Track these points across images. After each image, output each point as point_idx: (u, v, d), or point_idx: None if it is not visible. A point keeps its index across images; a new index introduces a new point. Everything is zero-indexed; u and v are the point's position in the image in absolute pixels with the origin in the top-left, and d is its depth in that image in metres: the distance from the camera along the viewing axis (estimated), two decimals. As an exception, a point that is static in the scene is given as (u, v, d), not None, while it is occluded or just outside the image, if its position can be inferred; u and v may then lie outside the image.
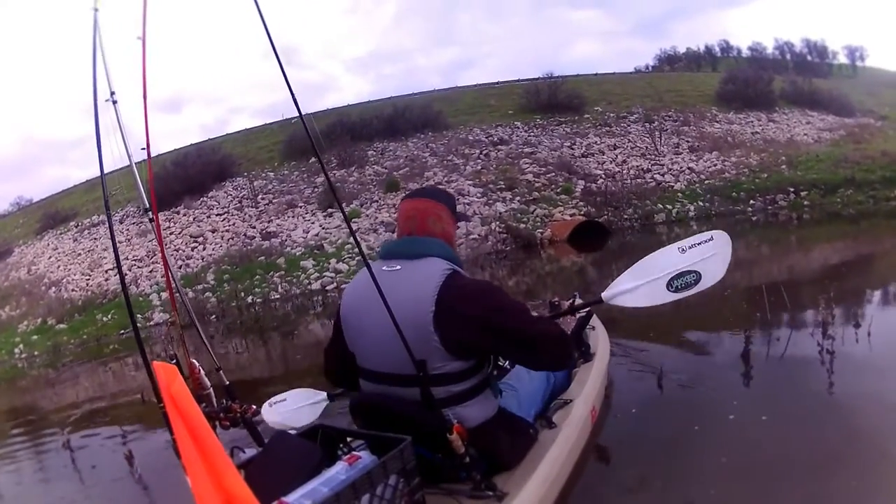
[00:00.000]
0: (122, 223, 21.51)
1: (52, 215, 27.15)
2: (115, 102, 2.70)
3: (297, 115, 2.29)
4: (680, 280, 2.74)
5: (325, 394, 3.46)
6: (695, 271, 2.73)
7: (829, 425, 3.34)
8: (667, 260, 2.80)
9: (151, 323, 13.74)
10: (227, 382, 3.21)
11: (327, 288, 13.88)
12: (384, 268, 2.36)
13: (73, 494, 4.30)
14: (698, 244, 2.77)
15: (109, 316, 14.78)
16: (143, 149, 3.08)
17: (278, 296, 14.00)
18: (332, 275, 14.37)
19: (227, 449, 1.81)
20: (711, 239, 2.76)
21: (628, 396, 4.15)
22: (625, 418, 3.78)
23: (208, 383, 3.01)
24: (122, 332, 13.57)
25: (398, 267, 2.39)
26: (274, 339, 10.02)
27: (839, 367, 4.11)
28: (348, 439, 2.30)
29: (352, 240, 15.54)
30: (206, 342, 3.39)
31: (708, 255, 2.74)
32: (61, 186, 34.17)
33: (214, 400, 3.02)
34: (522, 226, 16.21)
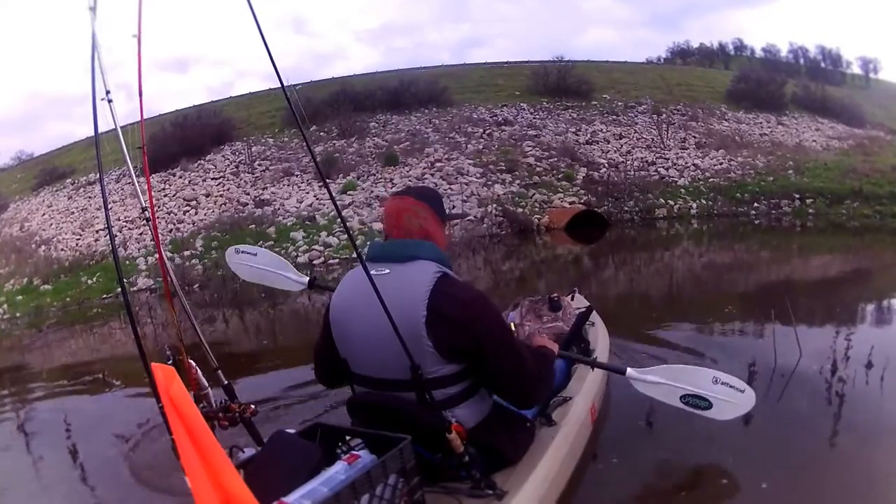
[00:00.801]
0: (118, 182, 21.07)
1: (49, 172, 26.64)
2: (110, 101, 2.62)
3: (280, 86, 2.16)
4: (694, 399, 2.86)
5: (307, 279, 3.53)
6: (710, 401, 2.84)
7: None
8: (699, 379, 2.89)
9: (135, 288, 13.15)
10: (226, 382, 3.13)
11: (314, 262, 13.40)
12: (372, 271, 2.18)
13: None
14: (730, 386, 2.86)
15: (94, 279, 14.27)
16: (140, 147, 3.05)
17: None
18: (321, 248, 13.90)
19: (226, 449, 1.80)
20: (743, 392, 2.86)
21: (628, 395, 3.85)
22: (624, 416, 3.71)
23: (206, 383, 2.93)
24: (105, 296, 13.14)
25: (386, 271, 2.28)
26: (255, 313, 9.67)
27: (848, 415, 3.65)
28: (347, 438, 2.21)
29: (343, 213, 15.43)
30: (205, 344, 3.26)
31: (730, 399, 2.84)
32: (64, 142, 33.44)
33: (213, 400, 2.93)
34: (520, 210, 15.76)
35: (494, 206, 15.64)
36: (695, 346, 5.27)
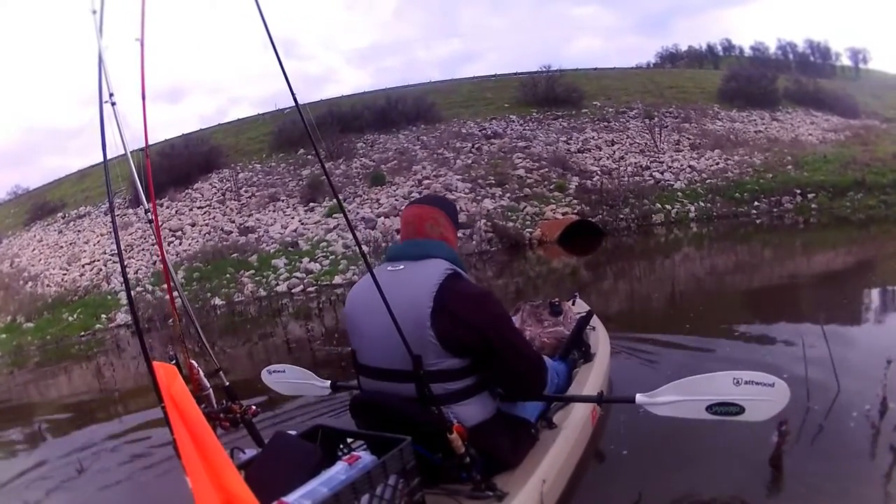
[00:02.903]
0: (105, 215, 21.62)
1: (41, 206, 26.36)
2: (113, 105, 2.56)
3: (294, 104, 2.21)
4: (722, 408, 2.48)
5: (328, 382, 3.49)
6: (740, 405, 2.44)
7: None
8: (717, 386, 2.52)
9: (113, 324, 12.65)
10: (227, 383, 3.04)
11: (294, 290, 12.66)
12: (388, 268, 2.36)
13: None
14: (756, 383, 2.44)
15: (75, 315, 13.81)
16: (142, 149, 3.05)
17: (243, 298, 12.65)
18: (302, 275, 13.16)
19: (227, 449, 1.80)
20: (773, 385, 2.43)
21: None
22: (625, 419, 3.45)
23: (208, 384, 2.87)
24: (83, 333, 12.61)
25: (401, 266, 2.35)
26: (241, 344, 9.12)
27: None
28: (348, 439, 2.24)
29: (328, 237, 14.76)
30: (206, 344, 3.17)
31: (761, 397, 2.43)
32: (58, 176, 33.23)
33: (214, 401, 2.87)
34: (511, 224, 14.99)
35: (484, 221, 14.82)
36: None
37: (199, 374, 2.83)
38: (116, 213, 20.37)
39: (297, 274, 13.23)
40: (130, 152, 2.81)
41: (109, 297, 14.32)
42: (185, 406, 1.72)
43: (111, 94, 2.53)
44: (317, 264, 13.56)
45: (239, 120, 31.71)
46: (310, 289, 12.53)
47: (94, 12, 2.36)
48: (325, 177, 16.32)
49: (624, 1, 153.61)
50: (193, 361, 2.83)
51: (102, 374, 8.60)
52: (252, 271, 13.87)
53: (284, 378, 3.73)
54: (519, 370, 2.37)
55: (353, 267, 12.83)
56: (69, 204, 25.46)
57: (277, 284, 12.99)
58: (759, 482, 2.72)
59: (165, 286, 10.62)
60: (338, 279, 12.51)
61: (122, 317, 12.72)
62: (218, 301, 12.61)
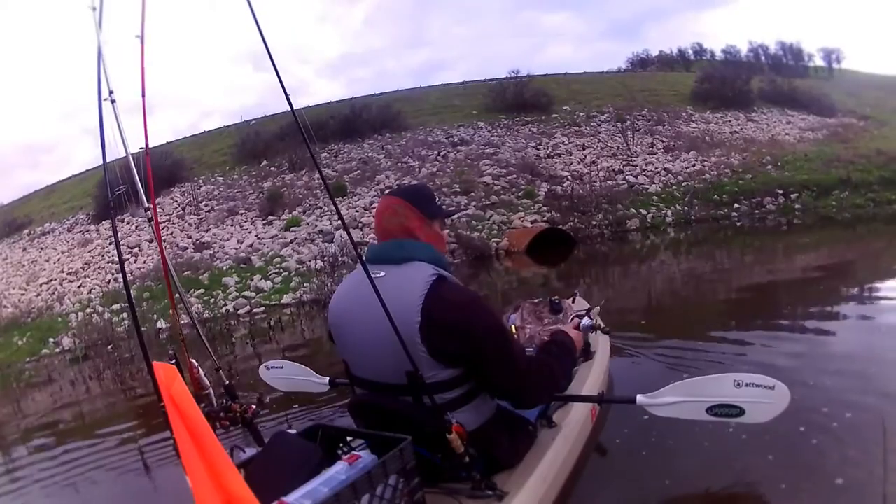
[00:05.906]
0: (70, 231, 21.03)
1: (9, 223, 25.47)
2: (113, 102, 2.53)
3: (289, 108, 2.22)
4: (722, 409, 2.41)
5: (327, 379, 3.48)
6: (740, 407, 2.37)
7: None
8: (718, 388, 2.44)
9: (59, 349, 11.38)
10: (227, 382, 2.92)
11: (240, 311, 11.42)
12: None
13: None
14: (757, 385, 2.36)
15: (25, 339, 12.61)
16: (142, 148, 3.07)
17: (188, 320, 11.40)
18: (252, 294, 11.99)
19: (227, 449, 1.76)
20: (773, 388, 2.33)
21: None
22: (624, 417, 3.29)
23: (208, 383, 2.80)
24: (28, 359, 11.35)
25: (382, 273, 2.13)
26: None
27: None
28: (348, 439, 2.18)
29: (283, 252, 13.68)
30: (207, 343, 3.10)
31: (761, 399, 2.34)
32: (28, 192, 32.64)
33: (214, 400, 2.80)
34: (476, 234, 13.86)
35: (447, 231, 13.47)
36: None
37: (199, 374, 2.80)
38: (78, 231, 19.42)
39: (246, 293, 12.11)
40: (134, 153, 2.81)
41: (60, 318, 13.25)
42: (185, 405, 1.66)
43: (111, 92, 2.46)
44: (268, 282, 12.44)
45: (205, 132, 31.05)
46: (256, 309, 11.38)
47: (94, 9, 2.31)
48: (282, 189, 15.24)
49: (594, 7, 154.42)
50: (193, 361, 2.78)
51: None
52: (202, 290, 12.72)
53: (283, 374, 3.75)
54: (507, 383, 2.17)
55: (306, 284, 11.69)
56: (35, 220, 24.63)
57: (225, 305, 11.83)
58: (760, 483, 2.63)
59: (112, 308, 9.50)
60: (287, 298, 11.37)
61: (68, 341, 11.50)
62: (162, 324, 11.38)
